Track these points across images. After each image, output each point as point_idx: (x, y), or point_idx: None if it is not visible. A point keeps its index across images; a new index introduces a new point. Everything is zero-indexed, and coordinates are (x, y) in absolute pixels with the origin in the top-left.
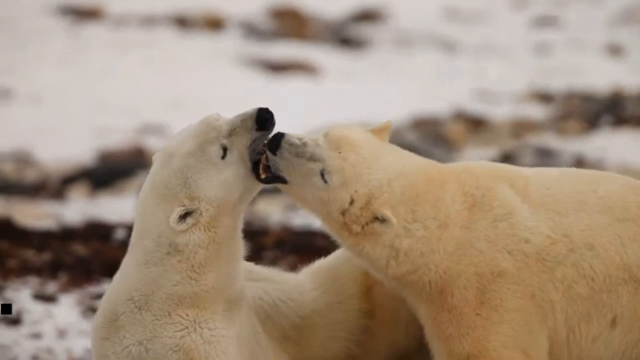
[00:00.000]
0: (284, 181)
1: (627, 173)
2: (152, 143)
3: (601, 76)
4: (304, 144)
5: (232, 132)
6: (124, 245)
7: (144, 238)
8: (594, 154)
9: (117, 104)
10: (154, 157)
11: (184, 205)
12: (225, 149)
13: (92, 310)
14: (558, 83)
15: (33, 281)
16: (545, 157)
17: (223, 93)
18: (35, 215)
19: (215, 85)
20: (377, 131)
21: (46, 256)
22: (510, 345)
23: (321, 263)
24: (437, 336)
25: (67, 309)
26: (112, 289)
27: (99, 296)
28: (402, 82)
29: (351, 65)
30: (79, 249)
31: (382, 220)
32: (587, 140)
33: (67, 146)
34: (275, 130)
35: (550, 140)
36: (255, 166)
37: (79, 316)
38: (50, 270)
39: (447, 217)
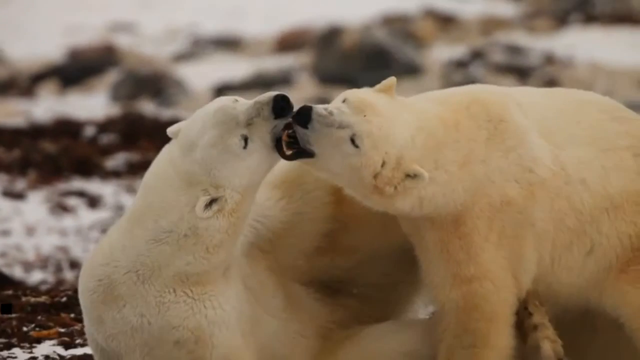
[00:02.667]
0: (310, 155)
1: (596, 70)
2: (122, 41)
3: None
4: (331, 113)
5: (250, 122)
6: (93, 142)
7: (160, 217)
8: (563, 52)
9: (88, 1)
10: (170, 131)
11: (209, 194)
12: (246, 139)
13: (61, 207)
14: None
15: (2, 178)
16: (515, 54)
17: None
18: (5, 112)
19: None
20: (384, 89)
21: (15, 153)
22: (505, 267)
23: (285, 170)
24: (446, 260)
25: (35, 206)
26: (111, 254)
27: (68, 193)
28: None
29: None
30: (48, 146)
31: (414, 176)
32: (557, 38)
33: (37, 44)
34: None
35: (520, 38)
36: (277, 144)
37: (48, 213)
38: (19, 168)
39: (466, 155)
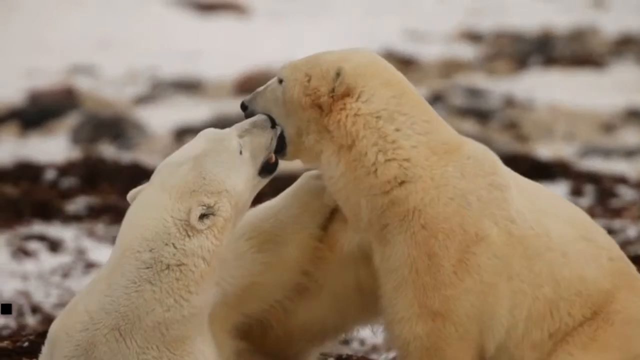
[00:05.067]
0: (284, 145)
1: (556, 113)
2: (82, 83)
3: (531, 16)
4: (256, 92)
5: (242, 134)
6: (53, 185)
7: (141, 252)
8: (523, 94)
9: (47, 44)
10: (131, 196)
11: (203, 204)
12: (240, 147)
13: (22, 251)
14: (488, 22)
15: None
16: (475, 97)
17: (152, 33)
18: None
19: (145, 26)
20: None
21: None
22: (472, 317)
23: (260, 219)
24: (413, 282)
25: None
26: (90, 319)
27: (29, 237)
28: (332, 22)
29: (280, 5)
30: (9, 189)
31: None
32: (516, 80)
33: None
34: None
35: (480, 80)
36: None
37: (9, 257)
38: None
39: (445, 143)
